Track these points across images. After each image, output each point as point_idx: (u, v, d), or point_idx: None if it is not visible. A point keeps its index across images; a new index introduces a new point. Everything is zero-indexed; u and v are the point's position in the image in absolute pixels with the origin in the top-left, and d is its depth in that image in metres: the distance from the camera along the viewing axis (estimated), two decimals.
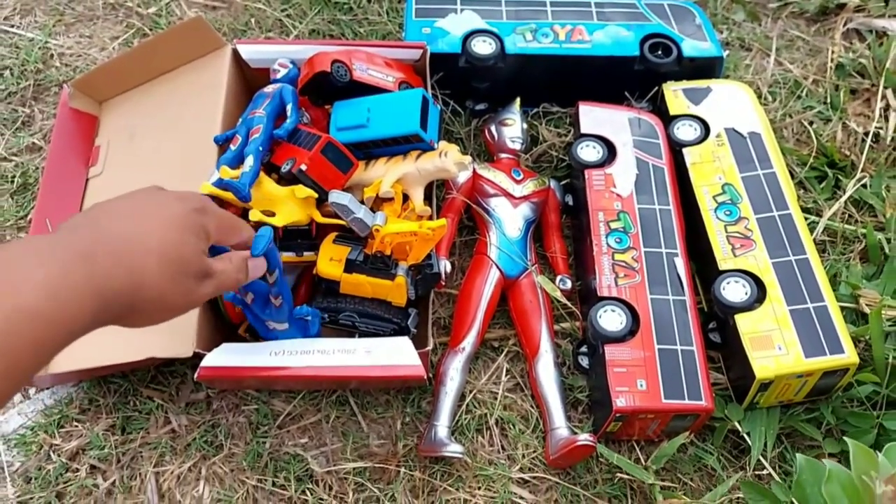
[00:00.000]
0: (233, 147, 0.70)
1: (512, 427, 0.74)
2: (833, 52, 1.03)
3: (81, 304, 0.39)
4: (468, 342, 0.75)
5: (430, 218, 0.72)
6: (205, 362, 0.64)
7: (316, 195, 0.69)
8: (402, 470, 0.71)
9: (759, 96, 0.97)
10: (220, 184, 0.66)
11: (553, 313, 0.79)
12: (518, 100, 0.88)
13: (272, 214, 0.68)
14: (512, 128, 0.85)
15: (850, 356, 0.68)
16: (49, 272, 0.39)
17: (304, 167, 0.67)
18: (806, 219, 0.85)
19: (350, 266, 0.68)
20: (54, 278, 0.39)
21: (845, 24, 1.07)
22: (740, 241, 0.75)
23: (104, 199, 0.48)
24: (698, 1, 1.07)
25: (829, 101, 0.98)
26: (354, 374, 0.65)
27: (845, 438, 0.51)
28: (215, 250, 0.54)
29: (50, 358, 0.39)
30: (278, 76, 0.77)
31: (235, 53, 0.80)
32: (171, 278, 0.46)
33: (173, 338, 0.66)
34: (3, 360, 0.36)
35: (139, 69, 0.84)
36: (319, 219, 0.69)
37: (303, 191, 0.67)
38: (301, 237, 0.71)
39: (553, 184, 0.85)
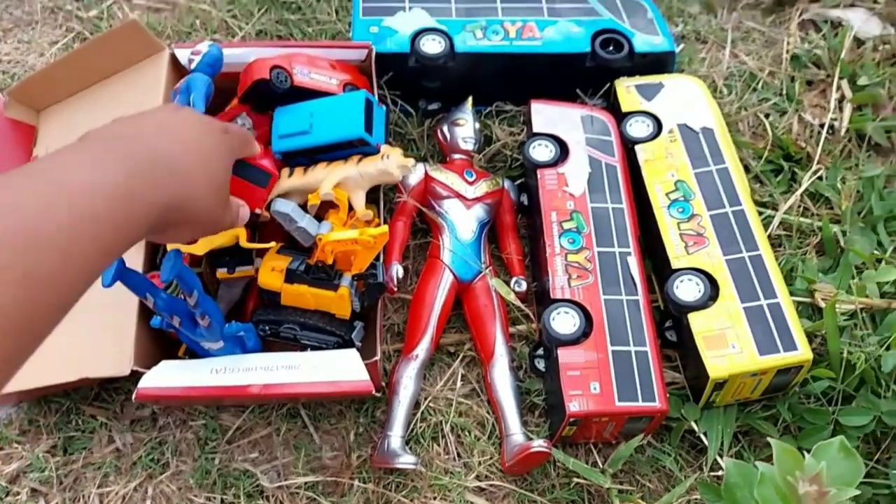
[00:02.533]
0: None
1: (468, 434, 0.73)
2: (789, 43, 1.03)
3: (139, 211, 0.39)
4: (421, 349, 0.74)
5: (375, 223, 0.70)
6: (142, 383, 0.62)
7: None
8: (356, 482, 0.70)
9: (715, 89, 0.96)
10: None
11: (509, 316, 0.77)
12: (470, 99, 0.86)
13: (193, 241, 0.65)
14: (464, 128, 0.84)
15: (803, 353, 0.67)
16: (107, 179, 0.38)
17: None
18: (762, 213, 0.84)
19: (291, 276, 0.66)
20: (111, 185, 0.38)
21: (801, 15, 1.06)
22: (693, 238, 0.74)
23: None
24: None
25: (784, 92, 0.97)
26: (299, 392, 0.63)
27: (770, 440, 0.51)
28: None
29: (113, 260, 0.39)
30: (193, 66, 0.68)
31: (173, 58, 0.77)
32: (214, 192, 0.47)
33: (110, 356, 0.63)
34: (73, 262, 0.35)
35: (76, 76, 0.81)
36: (244, 242, 0.65)
37: None
38: (230, 253, 0.68)
39: (507, 184, 0.83)
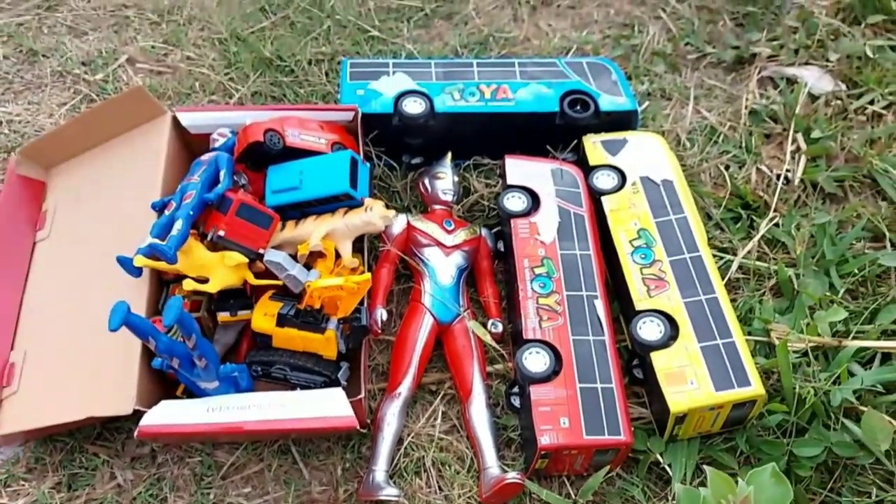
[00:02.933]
0: (167, 212, 0.73)
1: (448, 468, 0.77)
2: (748, 99, 1.10)
3: None
4: (404, 387, 0.79)
5: (360, 271, 0.76)
6: (143, 421, 0.67)
7: (246, 260, 0.73)
8: None
9: (678, 142, 1.04)
10: (149, 250, 0.69)
11: (486, 356, 0.83)
12: (449, 154, 0.93)
13: (206, 280, 0.71)
14: (443, 181, 0.90)
15: (756, 388, 0.73)
16: None
17: (221, 232, 0.71)
18: (722, 258, 0.91)
19: (282, 320, 0.71)
20: None
21: (759, 73, 1.14)
22: (655, 282, 0.80)
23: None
24: (622, 55, 1.15)
25: (743, 145, 1.04)
26: (289, 427, 0.68)
27: (706, 468, 0.56)
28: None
29: None
30: (217, 145, 0.81)
31: (175, 121, 0.84)
32: None
33: (113, 396, 0.68)
34: None
35: (84, 136, 0.88)
36: (253, 280, 0.72)
37: (232, 258, 0.71)
38: (235, 297, 0.74)
39: (484, 232, 0.90)
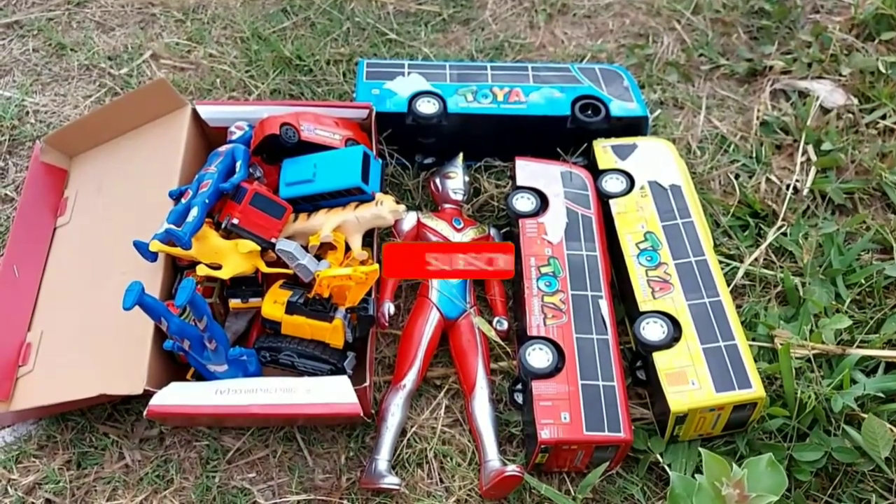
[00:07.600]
0: (184, 201, 0.75)
1: (450, 460, 0.78)
2: (759, 110, 1.11)
3: None
4: (409, 379, 0.80)
5: (369, 263, 0.78)
6: (154, 400, 0.69)
7: (258, 247, 0.74)
8: (345, 502, 0.75)
9: (689, 151, 1.05)
10: (165, 235, 0.72)
11: (490, 352, 0.84)
12: (461, 154, 0.94)
13: (219, 267, 0.73)
14: (454, 180, 0.92)
15: (757, 391, 0.73)
16: None
17: (235, 220, 0.73)
18: (729, 264, 0.92)
19: (291, 308, 0.73)
20: None
21: (772, 85, 1.15)
22: (659, 284, 0.81)
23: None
24: (636, 63, 1.16)
25: (754, 155, 1.05)
26: (295, 412, 0.70)
27: (701, 450, 0.56)
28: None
29: None
30: (234, 137, 0.84)
31: (195, 113, 0.87)
32: None
33: (125, 376, 0.70)
34: None
35: (107, 126, 0.91)
36: (264, 269, 0.74)
37: (245, 245, 0.73)
38: (246, 284, 0.76)
39: (493, 232, 0.91)
